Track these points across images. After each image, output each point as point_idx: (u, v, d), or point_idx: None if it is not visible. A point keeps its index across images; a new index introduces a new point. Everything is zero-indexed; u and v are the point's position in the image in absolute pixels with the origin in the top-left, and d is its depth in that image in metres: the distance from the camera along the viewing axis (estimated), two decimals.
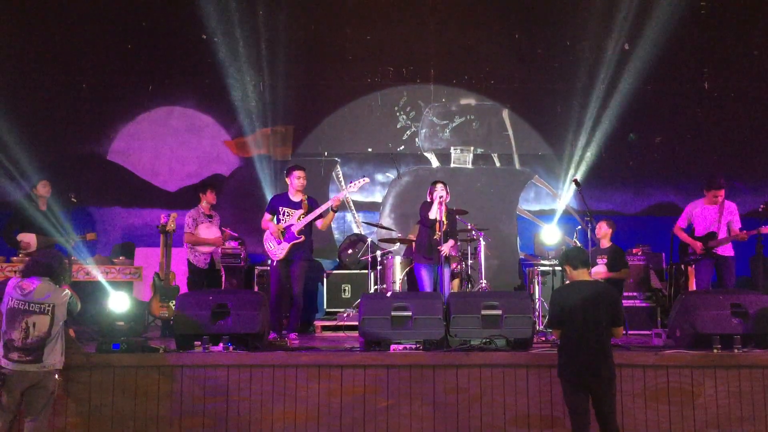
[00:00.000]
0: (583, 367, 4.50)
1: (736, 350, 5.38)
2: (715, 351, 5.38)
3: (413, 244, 7.68)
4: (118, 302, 6.11)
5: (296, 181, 6.96)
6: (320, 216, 6.95)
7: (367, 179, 7.23)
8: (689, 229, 7.47)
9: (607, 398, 4.53)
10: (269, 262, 7.24)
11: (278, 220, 6.95)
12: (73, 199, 8.09)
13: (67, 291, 4.95)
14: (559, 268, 8.14)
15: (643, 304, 7.95)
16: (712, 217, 7.26)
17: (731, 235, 7.16)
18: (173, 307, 6.60)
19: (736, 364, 5.30)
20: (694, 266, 7.48)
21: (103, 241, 9.06)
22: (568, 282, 4.86)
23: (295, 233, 6.85)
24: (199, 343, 5.51)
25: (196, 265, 7.61)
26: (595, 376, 4.50)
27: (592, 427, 4.56)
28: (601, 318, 4.53)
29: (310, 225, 6.95)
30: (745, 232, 7.09)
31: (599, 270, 7.29)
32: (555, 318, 4.69)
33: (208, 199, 7.78)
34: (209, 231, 7.69)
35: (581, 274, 4.70)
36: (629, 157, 9.74)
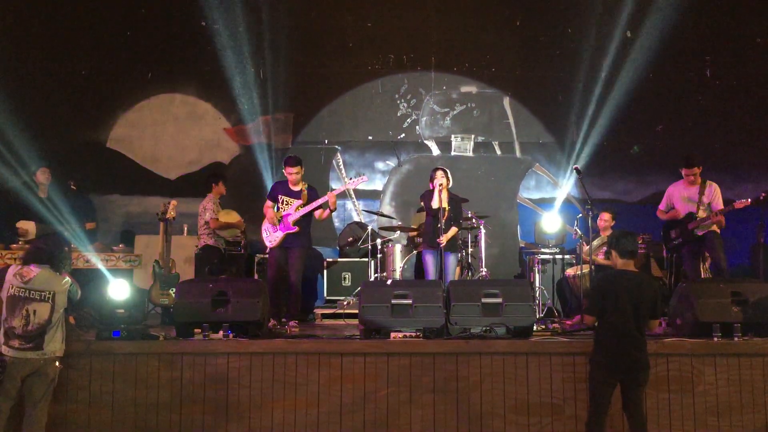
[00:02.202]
0: (623, 356, 4.56)
1: (736, 338, 5.38)
2: (715, 339, 5.38)
3: (419, 231, 7.67)
4: (118, 290, 6.11)
5: (288, 177, 6.94)
6: (319, 207, 6.91)
7: (365, 177, 7.18)
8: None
9: (640, 387, 4.63)
10: (267, 249, 7.24)
11: (278, 208, 6.93)
12: (72, 187, 8.07)
13: (67, 278, 4.95)
14: (560, 257, 8.14)
15: None
16: (692, 198, 6.97)
17: (710, 216, 6.78)
18: (173, 295, 6.60)
19: (736, 353, 5.30)
20: (677, 254, 7.25)
21: (103, 228, 9.07)
22: (612, 271, 4.84)
23: (290, 223, 6.82)
24: (199, 330, 5.50)
25: (218, 247, 7.83)
26: (634, 365, 4.57)
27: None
28: (643, 309, 4.59)
29: (309, 215, 6.91)
30: (718, 211, 6.76)
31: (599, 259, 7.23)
32: (595, 305, 4.69)
33: (220, 190, 7.96)
34: (230, 215, 7.89)
35: (626, 264, 4.72)
36: (631, 146, 9.71)
